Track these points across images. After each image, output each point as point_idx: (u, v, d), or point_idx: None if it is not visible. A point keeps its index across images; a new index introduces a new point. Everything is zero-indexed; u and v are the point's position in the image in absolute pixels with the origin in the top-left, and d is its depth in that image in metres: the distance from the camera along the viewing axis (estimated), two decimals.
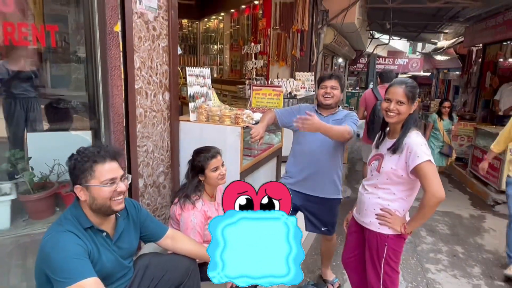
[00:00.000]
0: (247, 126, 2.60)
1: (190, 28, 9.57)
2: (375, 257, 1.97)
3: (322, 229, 2.63)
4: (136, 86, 2.24)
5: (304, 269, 3.16)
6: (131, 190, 2.30)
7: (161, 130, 2.54)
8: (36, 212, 2.67)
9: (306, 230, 2.73)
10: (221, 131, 2.60)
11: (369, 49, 12.20)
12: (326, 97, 2.43)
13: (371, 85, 13.98)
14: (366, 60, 15.19)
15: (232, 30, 8.19)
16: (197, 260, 1.93)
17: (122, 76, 2.13)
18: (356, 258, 2.22)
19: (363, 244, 2.11)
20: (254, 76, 5.48)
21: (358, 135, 9.67)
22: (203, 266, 1.93)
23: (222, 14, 8.28)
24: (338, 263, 3.24)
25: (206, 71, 2.85)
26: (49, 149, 2.79)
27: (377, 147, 2.04)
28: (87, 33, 2.15)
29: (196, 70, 2.73)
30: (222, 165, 2.22)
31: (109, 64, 2.09)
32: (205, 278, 2.05)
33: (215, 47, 9.28)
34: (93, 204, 1.52)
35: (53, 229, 1.48)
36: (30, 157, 2.59)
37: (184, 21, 9.33)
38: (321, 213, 2.59)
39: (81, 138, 2.58)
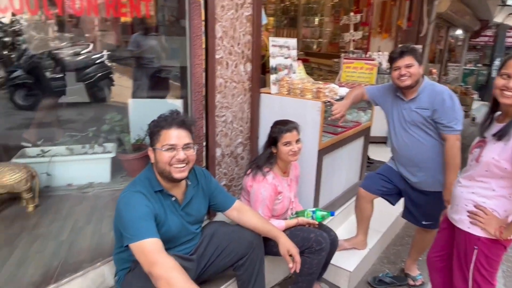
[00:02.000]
0: (329, 102, 2.43)
1: (292, 1, 9.34)
2: (462, 259, 1.69)
3: (423, 222, 2.39)
4: (217, 56, 2.25)
5: (384, 259, 2.94)
6: (208, 158, 2.38)
7: (241, 101, 2.54)
8: (132, 170, 2.99)
9: (403, 217, 2.51)
10: (301, 105, 2.48)
11: (498, 19, 10.36)
12: (402, 79, 2.11)
13: (497, 62, 11.96)
14: (494, 32, 12.98)
15: (334, 0, 7.74)
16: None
17: (203, 46, 2.15)
18: (444, 258, 1.95)
19: (453, 243, 1.84)
20: (352, 49, 5.12)
21: (473, 119, 8.46)
22: (269, 240, 1.92)
23: None
24: (425, 259, 2.92)
25: (292, 41, 2.72)
26: (148, 114, 3.07)
27: (481, 133, 1.69)
28: (177, 3, 2.22)
29: (280, 41, 2.62)
30: (297, 141, 2.12)
31: (192, 33, 2.13)
32: (269, 252, 2.05)
33: (316, 19, 8.92)
34: (157, 167, 1.60)
35: (128, 188, 1.60)
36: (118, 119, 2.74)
37: None
38: (425, 205, 2.33)
39: (174, 106, 2.72)
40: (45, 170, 2.61)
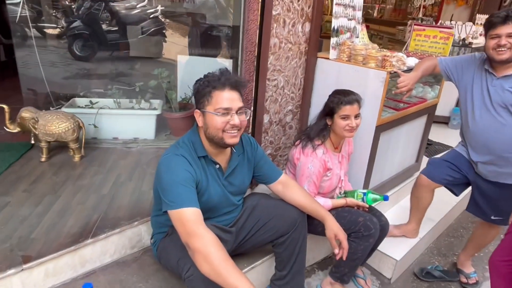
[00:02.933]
0: (395, 72, 2.14)
1: None
2: None
3: (492, 217, 2.11)
4: (273, 12, 2.03)
5: (434, 250, 2.71)
6: (255, 125, 2.22)
7: (295, 65, 2.32)
8: (177, 129, 2.92)
9: (467, 210, 2.24)
10: (363, 74, 2.21)
11: None
12: (500, 50, 1.76)
13: None
14: None
15: None
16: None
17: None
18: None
19: None
20: (420, 16, 4.60)
21: None
22: (313, 219, 1.77)
23: None
24: (481, 256, 2.65)
25: (358, 1, 2.41)
26: (196, 72, 2.97)
27: None
28: None
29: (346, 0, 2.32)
30: (356, 117, 1.89)
31: None
32: (313, 231, 1.91)
33: None
34: (206, 131, 1.46)
35: (170, 150, 1.49)
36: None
37: None
38: (498, 199, 2.05)
39: (223, 65, 2.57)
40: (92, 122, 2.61)
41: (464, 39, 4.51)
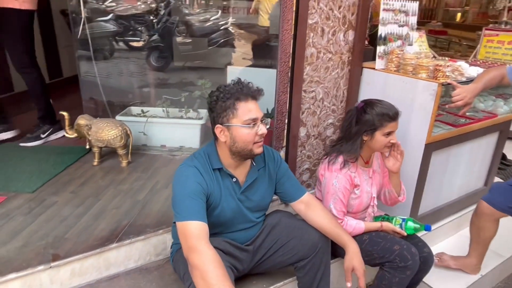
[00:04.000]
0: (449, 84, 1.89)
1: None
2: None
3: None
4: (309, 21, 1.93)
5: None
6: (289, 138, 2.13)
7: (336, 75, 2.18)
8: None
9: None
10: (411, 86, 1.99)
11: None
12: None
13: None
14: None
15: None
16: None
17: (294, 8, 1.86)
18: None
19: None
20: (505, 19, 4.04)
21: None
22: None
23: None
24: None
25: (412, 5, 2.18)
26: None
27: None
28: None
29: (396, 4, 2.12)
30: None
31: None
32: (339, 255, 1.76)
33: None
34: (233, 146, 1.41)
35: (185, 161, 1.49)
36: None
37: None
38: None
39: (269, 75, 2.53)
40: (142, 129, 2.76)
41: None
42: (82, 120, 2.45)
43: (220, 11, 6.43)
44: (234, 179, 1.51)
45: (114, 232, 1.80)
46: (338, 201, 1.73)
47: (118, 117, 2.78)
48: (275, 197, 1.72)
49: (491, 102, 2.47)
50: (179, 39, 6.03)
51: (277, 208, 1.98)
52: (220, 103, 1.39)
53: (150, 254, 1.84)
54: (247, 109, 1.36)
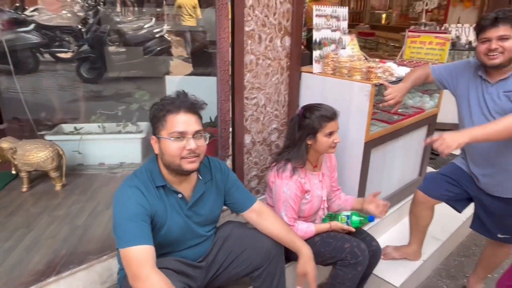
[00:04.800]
0: (381, 84, 2.00)
1: None
2: None
3: (499, 235, 1.94)
4: (246, 28, 1.93)
5: (443, 272, 2.50)
6: (234, 147, 2.11)
7: (276, 81, 2.21)
8: None
9: (471, 227, 2.07)
10: (348, 88, 2.08)
11: None
12: (491, 55, 1.60)
13: None
14: None
15: None
16: None
17: (230, 16, 1.85)
18: None
19: None
20: (423, 20, 4.42)
21: None
22: None
23: None
24: (495, 277, 2.42)
25: (342, 10, 2.29)
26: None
27: None
28: None
29: (328, 10, 2.20)
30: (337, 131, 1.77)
31: (217, 2, 1.83)
32: (294, 258, 1.77)
33: None
34: (163, 159, 1.37)
35: (125, 181, 1.40)
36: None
37: None
38: (504, 215, 1.88)
39: (209, 83, 2.48)
40: (77, 148, 2.57)
41: (471, 42, 4.29)
42: (4, 144, 2.22)
43: (154, 19, 6.25)
44: (180, 195, 1.45)
45: (51, 264, 1.64)
46: (289, 208, 1.74)
47: (48, 137, 2.56)
48: (225, 207, 1.69)
49: (418, 98, 2.67)
50: (111, 48, 5.75)
51: (228, 218, 1.94)
52: (155, 114, 1.36)
53: (95, 283, 1.70)
54: (176, 122, 1.32)
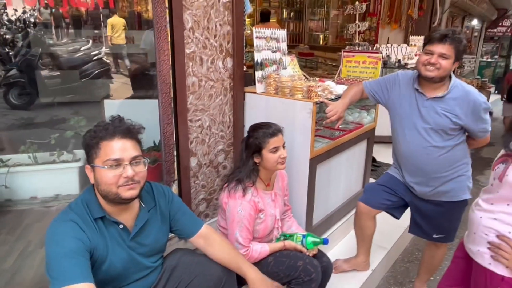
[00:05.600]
0: (322, 102, 2.07)
1: None
2: None
3: (434, 236, 2.06)
4: (187, 51, 1.91)
5: (391, 279, 2.59)
6: (180, 170, 2.05)
7: (220, 102, 2.20)
8: None
9: (410, 232, 2.18)
10: (290, 106, 2.13)
11: None
12: (428, 67, 1.75)
13: None
14: None
15: None
16: None
17: (169, 39, 1.82)
18: None
19: (469, 277, 1.49)
20: (357, 41, 4.71)
21: (491, 113, 7.96)
22: None
23: None
24: (437, 279, 2.55)
25: (281, 33, 2.36)
26: (126, 116, 2.80)
27: (506, 145, 1.33)
28: None
29: (267, 32, 2.26)
30: (283, 146, 1.78)
31: (155, 24, 1.79)
32: (243, 281, 1.72)
33: (323, 11, 8.52)
34: (98, 189, 1.27)
35: (59, 216, 1.28)
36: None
37: None
38: (437, 217, 2.01)
39: (152, 106, 2.39)
40: (3, 182, 2.32)
41: (400, 60, 4.66)
42: None
43: (91, 41, 6.01)
44: (121, 226, 1.35)
45: None
46: (244, 229, 1.71)
47: None
48: (172, 235, 1.61)
49: (357, 114, 2.81)
50: (44, 72, 5.41)
51: (176, 245, 1.85)
52: (88, 142, 1.28)
53: None
54: (110, 149, 1.25)
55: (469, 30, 10.36)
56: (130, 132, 1.30)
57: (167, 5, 1.77)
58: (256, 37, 2.20)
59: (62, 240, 1.19)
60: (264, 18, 5.18)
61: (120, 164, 1.25)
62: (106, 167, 1.23)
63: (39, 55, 5.37)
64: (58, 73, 5.65)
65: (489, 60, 12.39)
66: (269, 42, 2.30)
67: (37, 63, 5.38)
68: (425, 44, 1.80)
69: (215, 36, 2.05)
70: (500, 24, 11.90)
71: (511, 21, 12.30)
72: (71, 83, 5.69)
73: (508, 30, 12.85)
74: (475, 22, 10.28)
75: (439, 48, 1.72)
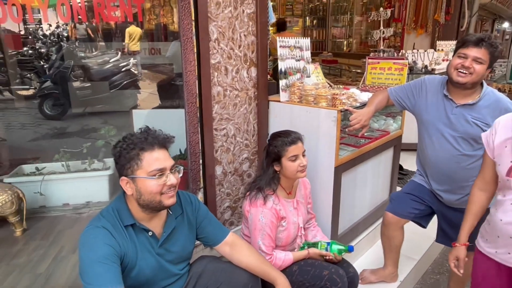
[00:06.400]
0: (347, 110, 2.06)
1: (321, 0, 8.93)
2: None
3: None
4: (212, 61, 1.96)
5: None
6: (205, 179, 2.08)
7: (245, 111, 2.22)
8: None
9: (437, 241, 2.12)
10: (315, 115, 2.12)
11: None
12: (461, 72, 1.69)
13: None
14: None
15: None
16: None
17: (195, 50, 1.87)
18: None
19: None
20: (382, 47, 4.65)
21: None
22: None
23: None
24: None
25: (305, 41, 2.37)
26: (154, 126, 2.89)
27: None
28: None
29: (291, 41, 2.28)
30: (303, 154, 1.78)
31: (182, 36, 1.85)
32: None
33: (346, 18, 8.48)
34: (140, 199, 1.31)
35: (91, 222, 1.33)
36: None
37: None
38: None
39: (180, 116, 2.45)
40: (39, 190, 2.43)
41: (426, 66, 4.56)
42: None
43: (120, 53, 6.23)
44: (150, 233, 1.39)
45: None
46: (266, 237, 1.71)
47: (6, 179, 2.42)
48: (197, 242, 1.64)
49: (383, 121, 2.76)
50: (76, 84, 5.64)
51: (201, 253, 1.88)
52: (124, 154, 1.30)
53: None
54: (152, 159, 1.29)
55: (499, 33, 10.02)
56: (166, 141, 1.34)
57: (193, 18, 1.82)
58: (280, 46, 2.22)
59: (94, 246, 1.23)
60: (280, 27, 5.21)
61: (164, 173, 1.29)
62: (154, 177, 1.27)
63: (71, 68, 5.61)
64: (89, 84, 5.88)
65: None
66: (293, 51, 2.31)
67: (69, 75, 5.62)
68: (458, 48, 1.74)
69: (239, 46, 2.09)
70: None
71: None
72: (101, 94, 5.90)
73: None
74: (506, 25, 9.93)
75: (474, 52, 1.66)
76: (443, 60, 4.79)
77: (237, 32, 2.05)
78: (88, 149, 2.62)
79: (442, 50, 5.02)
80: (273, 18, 2.39)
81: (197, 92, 1.93)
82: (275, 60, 3.08)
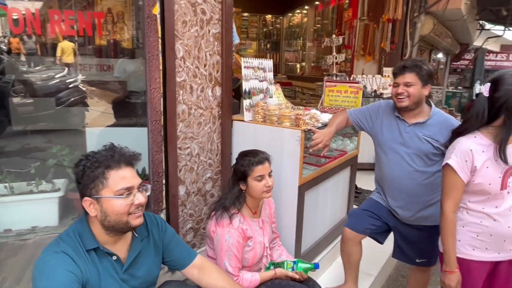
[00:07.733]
0: (310, 130, 2.12)
1: (274, 25, 9.26)
2: None
3: (417, 260, 2.09)
4: (178, 79, 1.93)
5: None
6: (168, 199, 2.01)
7: (209, 130, 2.20)
8: None
9: (394, 257, 2.20)
10: (278, 134, 2.16)
11: (477, 43, 10.47)
12: (399, 98, 1.88)
13: (477, 85, 12.08)
14: (473, 56, 13.18)
15: (316, 24, 7.69)
16: None
17: (161, 67, 1.83)
18: None
19: None
20: (334, 72, 4.90)
21: None
22: None
23: (307, 7, 7.82)
24: None
25: (267, 63, 2.43)
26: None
27: (505, 160, 1.45)
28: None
29: (255, 62, 2.33)
30: (270, 175, 1.79)
31: (147, 52, 1.81)
32: None
33: (299, 42, 8.84)
34: (105, 220, 1.22)
35: (49, 247, 1.22)
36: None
37: (268, 16, 9.10)
38: (420, 241, 2.04)
39: (138, 134, 2.35)
40: None
41: (375, 90, 4.86)
42: None
43: (66, 68, 5.94)
44: (115, 257, 1.30)
45: None
46: (232, 257, 1.67)
47: None
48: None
49: (340, 141, 2.87)
50: (16, 99, 5.26)
51: (163, 278, 1.78)
52: (88, 173, 1.22)
53: None
54: (119, 178, 1.22)
55: (435, 62, 11.01)
56: (132, 159, 1.28)
57: (159, 35, 1.79)
58: (245, 67, 2.25)
59: (52, 273, 1.13)
60: None
61: (131, 192, 1.23)
62: (121, 196, 1.20)
63: (12, 82, 5.22)
64: (32, 100, 5.49)
65: (454, 90, 13.14)
66: (257, 72, 2.35)
67: (10, 90, 5.22)
68: (393, 79, 1.93)
69: (205, 65, 2.08)
70: (463, 57, 12.74)
71: (472, 55, 13.19)
72: (45, 111, 5.52)
73: (470, 63, 13.75)
74: (440, 55, 10.95)
75: (402, 79, 1.86)
76: (389, 85, 5.14)
77: (203, 51, 2.05)
78: (36, 169, 2.42)
79: (388, 76, 5.39)
80: (237, 39, 2.43)
81: (162, 110, 1.88)
82: (237, 80, 3.12)
